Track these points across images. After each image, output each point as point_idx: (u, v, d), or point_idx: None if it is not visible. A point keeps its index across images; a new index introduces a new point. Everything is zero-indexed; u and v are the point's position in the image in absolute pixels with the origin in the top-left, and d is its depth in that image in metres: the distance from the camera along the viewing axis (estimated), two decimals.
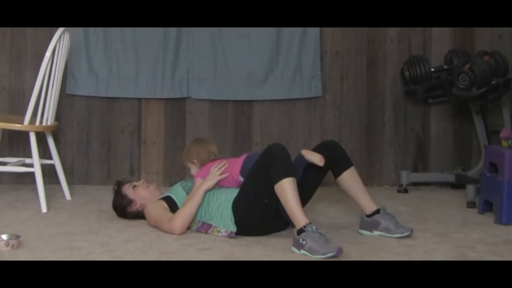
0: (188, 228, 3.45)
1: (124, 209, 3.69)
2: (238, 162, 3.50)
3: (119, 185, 3.72)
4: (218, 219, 3.42)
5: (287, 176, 3.19)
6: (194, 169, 3.65)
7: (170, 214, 3.46)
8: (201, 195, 3.42)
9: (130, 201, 3.67)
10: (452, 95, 4.48)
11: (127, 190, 3.68)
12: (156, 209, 3.52)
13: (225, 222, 3.40)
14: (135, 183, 3.72)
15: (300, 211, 3.16)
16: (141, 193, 3.67)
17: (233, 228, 3.38)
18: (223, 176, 3.46)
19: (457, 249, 3.22)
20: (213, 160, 3.61)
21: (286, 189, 3.18)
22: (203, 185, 3.44)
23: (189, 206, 3.41)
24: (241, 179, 3.45)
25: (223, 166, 3.48)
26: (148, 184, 3.72)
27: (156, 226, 3.50)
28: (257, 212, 3.37)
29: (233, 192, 3.43)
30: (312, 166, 3.37)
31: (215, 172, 3.46)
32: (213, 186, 3.45)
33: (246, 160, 3.48)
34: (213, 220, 3.43)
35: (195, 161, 3.63)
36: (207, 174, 3.52)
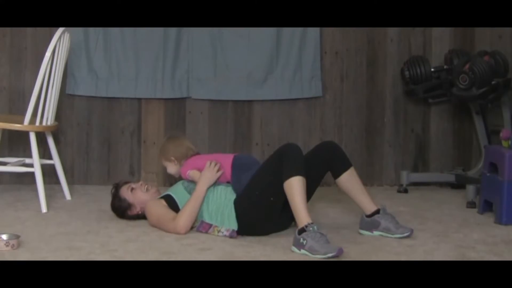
0: (191, 227, 3.45)
1: (123, 212, 3.68)
2: (228, 160, 3.50)
3: (116, 188, 3.70)
4: (218, 218, 3.42)
5: (298, 175, 3.20)
6: (171, 167, 3.65)
7: (172, 213, 3.46)
8: (203, 193, 3.42)
9: (130, 205, 3.65)
10: (452, 95, 4.48)
11: (126, 194, 3.66)
12: (157, 208, 3.51)
13: (226, 221, 3.40)
14: (133, 185, 3.69)
15: (305, 210, 3.16)
16: (141, 197, 3.64)
17: (235, 226, 3.38)
18: (220, 173, 3.46)
19: (457, 249, 3.22)
20: (193, 155, 3.61)
21: (294, 187, 3.18)
22: (203, 183, 3.43)
23: (192, 205, 3.41)
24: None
25: (216, 165, 3.48)
26: (147, 186, 3.69)
27: (157, 226, 3.50)
28: (261, 209, 3.36)
29: (233, 191, 3.44)
30: (311, 166, 3.37)
31: (213, 168, 3.46)
32: (213, 182, 3.45)
33: (236, 163, 3.49)
34: (213, 219, 3.43)
35: (173, 158, 3.63)
36: (195, 167, 3.52)
